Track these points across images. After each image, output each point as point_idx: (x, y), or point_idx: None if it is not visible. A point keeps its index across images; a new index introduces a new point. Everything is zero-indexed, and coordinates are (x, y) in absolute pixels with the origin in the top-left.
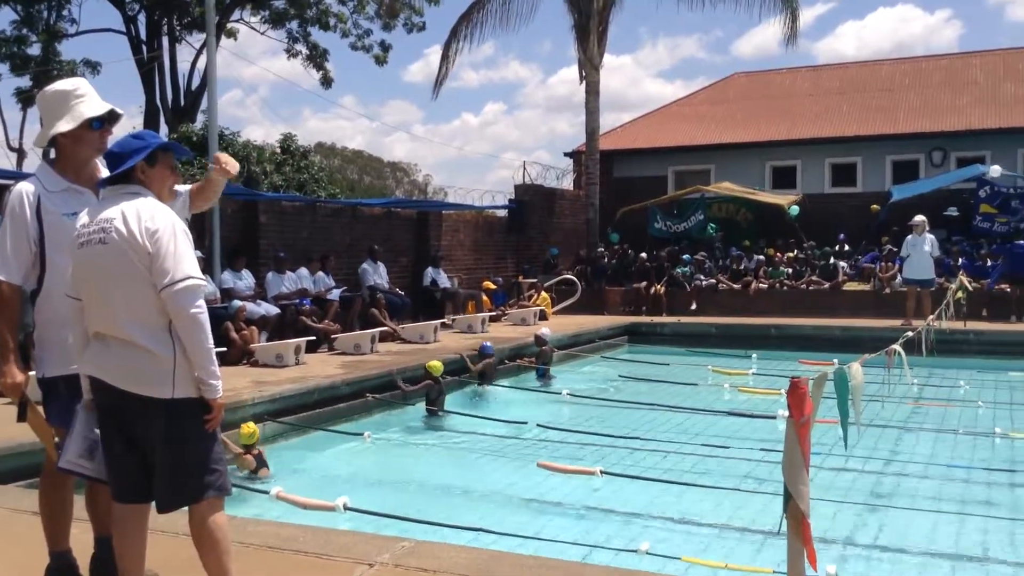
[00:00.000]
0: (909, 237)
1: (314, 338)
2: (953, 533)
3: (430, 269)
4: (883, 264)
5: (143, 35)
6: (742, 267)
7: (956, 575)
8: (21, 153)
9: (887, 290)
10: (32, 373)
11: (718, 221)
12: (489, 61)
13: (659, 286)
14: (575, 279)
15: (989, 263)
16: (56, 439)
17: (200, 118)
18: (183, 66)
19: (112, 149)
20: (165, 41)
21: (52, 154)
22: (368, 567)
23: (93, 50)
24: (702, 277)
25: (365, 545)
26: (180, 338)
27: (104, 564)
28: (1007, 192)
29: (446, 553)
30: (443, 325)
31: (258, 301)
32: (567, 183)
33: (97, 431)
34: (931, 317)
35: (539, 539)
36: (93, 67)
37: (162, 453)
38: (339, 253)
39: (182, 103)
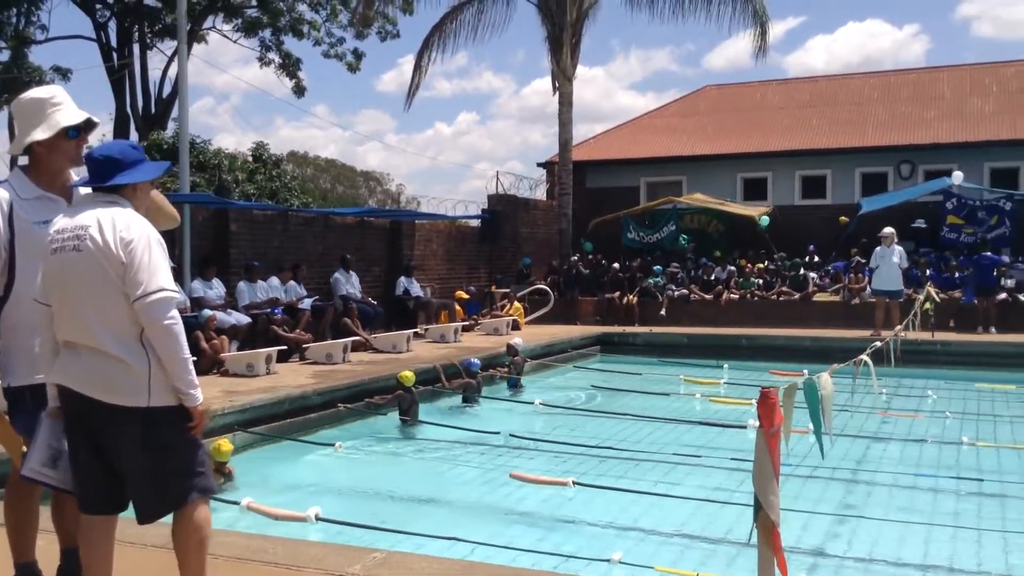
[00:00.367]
0: (878, 249)
1: (285, 348)
2: (921, 542)
3: (403, 279)
4: (852, 275)
5: (114, 42)
6: (713, 278)
7: None
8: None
9: (856, 301)
10: None
11: (690, 232)
12: (462, 71)
13: (631, 296)
14: (548, 289)
15: (957, 275)
16: (24, 448)
17: (171, 126)
18: (154, 73)
19: (109, 154)
20: (136, 48)
21: (24, 162)
22: None
23: (63, 57)
24: (673, 287)
25: (336, 556)
26: (154, 349)
27: (71, 575)
28: (973, 204)
29: (418, 564)
30: (416, 335)
31: (229, 310)
32: (540, 193)
33: (63, 440)
34: (899, 328)
35: (512, 548)
36: (63, 74)
37: (140, 461)
38: (311, 262)
39: (153, 110)
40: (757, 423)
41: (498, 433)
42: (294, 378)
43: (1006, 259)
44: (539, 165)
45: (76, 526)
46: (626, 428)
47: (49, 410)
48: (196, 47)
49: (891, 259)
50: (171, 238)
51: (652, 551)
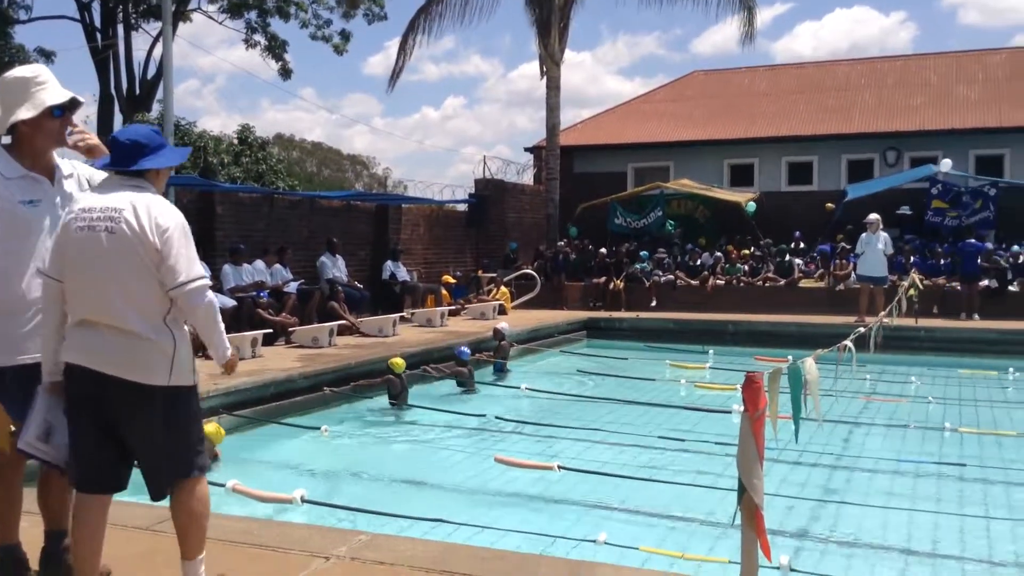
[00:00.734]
0: (863, 235)
1: (271, 331)
2: (904, 526)
3: (389, 263)
4: (837, 261)
5: (98, 22)
6: (699, 263)
7: (907, 567)
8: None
9: (841, 287)
10: None
11: (676, 218)
12: (450, 55)
13: (618, 282)
14: (534, 274)
15: (941, 262)
16: (12, 428)
17: (156, 107)
18: (139, 54)
19: (135, 138)
20: (120, 29)
21: (6, 141)
22: (324, 560)
23: (46, 37)
24: (660, 273)
25: (322, 538)
26: (195, 327)
27: (55, 557)
28: (957, 189)
29: (402, 546)
30: (402, 319)
31: (214, 293)
32: (527, 178)
33: (58, 415)
34: (882, 314)
35: (497, 529)
36: (47, 56)
37: (157, 438)
38: (297, 246)
39: (137, 92)
40: (742, 408)
41: (484, 416)
42: (280, 361)
43: (990, 245)
44: (526, 150)
45: (61, 508)
46: (612, 412)
47: (45, 384)
48: (181, 28)
49: (876, 245)
50: None
51: (637, 533)
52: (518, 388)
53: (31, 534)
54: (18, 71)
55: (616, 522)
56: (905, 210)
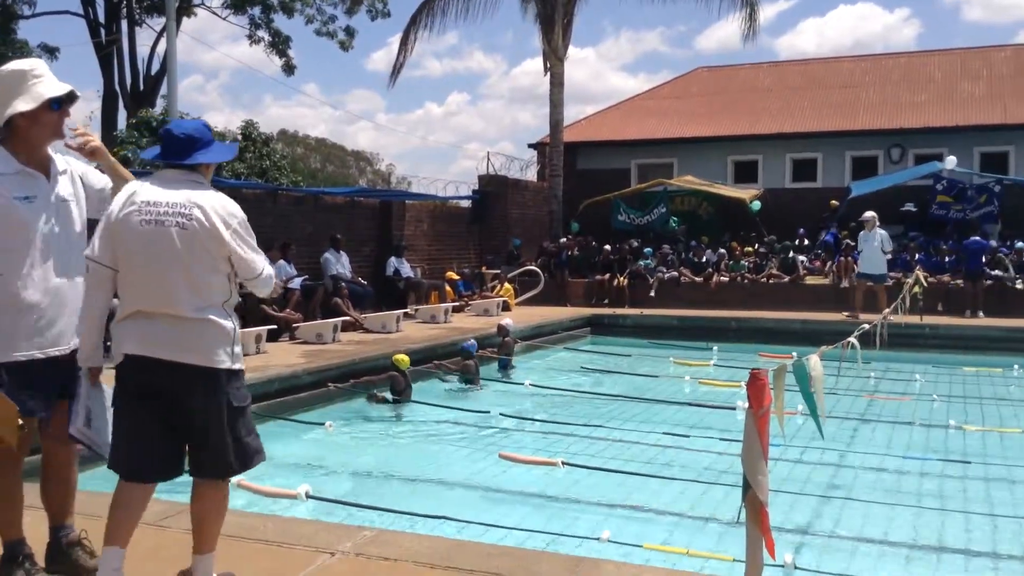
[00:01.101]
0: (861, 233)
1: (275, 327)
2: (908, 524)
3: (393, 259)
4: (843, 258)
5: (102, 18)
6: (703, 260)
7: (911, 565)
8: None
9: (845, 284)
10: None
11: (680, 214)
12: (453, 51)
13: (621, 278)
14: (538, 270)
15: (946, 259)
16: (20, 422)
17: (160, 103)
18: (142, 50)
19: (190, 132)
20: (124, 24)
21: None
22: (330, 555)
23: (50, 32)
24: (664, 269)
25: (327, 534)
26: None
27: (61, 551)
28: (962, 185)
29: (408, 541)
30: (406, 315)
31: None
32: (531, 174)
33: (96, 402)
34: (887, 311)
35: (501, 527)
36: (51, 51)
37: (223, 422)
38: (301, 242)
39: (141, 87)
40: (746, 404)
41: (488, 413)
42: (284, 357)
43: (994, 243)
44: (530, 146)
45: (64, 502)
46: (616, 409)
47: (87, 372)
48: (185, 23)
49: (872, 243)
50: None
51: (641, 530)
52: (522, 384)
53: (30, 529)
54: (14, 64)
55: (620, 519)
56: (910, 207)
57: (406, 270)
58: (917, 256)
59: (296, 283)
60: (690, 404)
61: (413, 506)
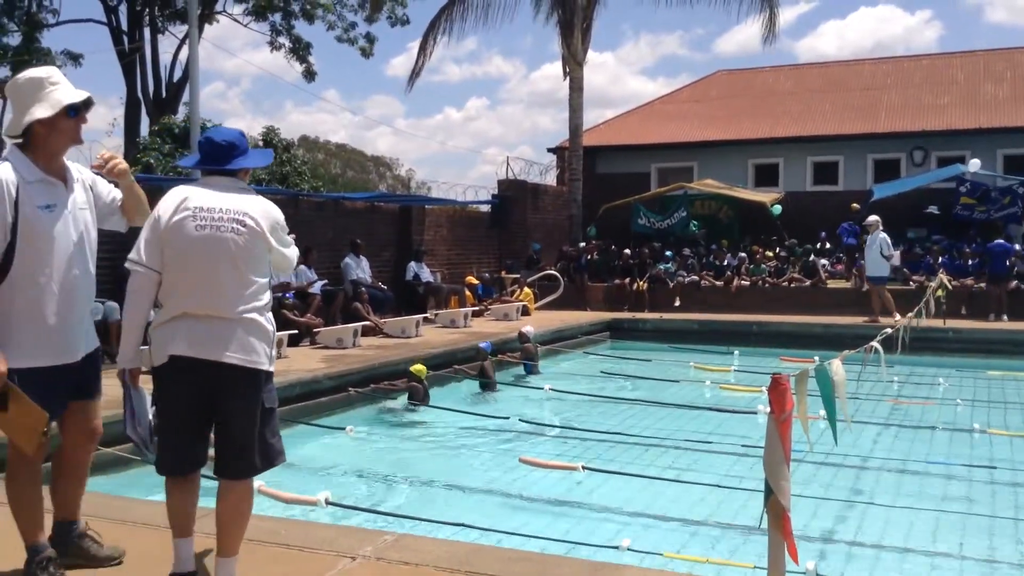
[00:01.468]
0: (867, 237)
1: (296, 332)
2: (931, 529)
3: (413, 263)
4: (863, 263)
5: (124, 25)
6: (724, 263)
7: (935, 571)
8: (1, 144)
9: (867, 287)
10: None
11: (700, 218)
12: (472, 56)
13: (641, 282)
14: (557, 275)
15: (970, 262)
16: (45, 429)
17: (182, 110)
18: (164, 57)
19: (231, 139)
20: (147, 32)
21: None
22: (351, 560)
23: (73, 40)
24: (684, 273)
25: (348, 538)
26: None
27: (69, 546)
28: (985, 187)
29: (428, 546)
30: (425, 320)
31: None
32: (550, 179)
33: (139, 401)
34: (910, 315)
35: (520, 535)
36: (75, 59)
37: (255, 421)
38: (321, 247)
39: (164, 94)
40: (768, 409)
41: (508, 418)
42: (305, 362)
43: (1018, 246)
44: (549, 151)
45: (74, 498)
46: (636, 414)
47: (130, 377)
48: (207, 30)
49: (873, 247)
50: None
51: (661, 537)
52: (542, 389)
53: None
54: (31, 72)
55: (640, 526)
56: (933, 210)
57: (426, 275)
58: (940, 259)
59: (317, 288)
60: (711, 409)
61: (433, 512)
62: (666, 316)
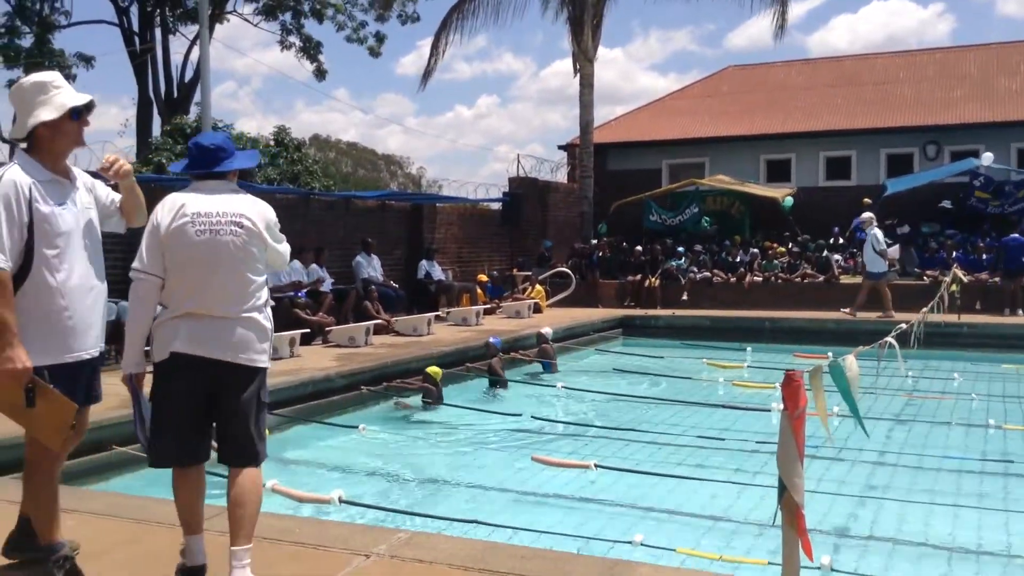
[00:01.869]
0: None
1: (308, 331)
2: (947, 524)
3: (424, 262)
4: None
5: (136, 26)
6: (736, 259)
7: (950, 566)
8: (13, 145)
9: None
10: None
11: (712, 214)
12: (482, 53)
13: (653, 279)
14: (569, 272)
15: (984, 256)
16: (73, 423)
17: (193, 110)
18: (176, 58)
19: (219, 143)
20: (158, 32)
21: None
22: (364, 558)
23: (85, 42)
24: (696, 270)
25: (362, 536)
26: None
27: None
28: (999, 181)
29: (442, 544)
30: (437, 318)
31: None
32: (561, 176)
33: (143, 402)
34: (924, 310)
35: (534, 531)
36: (87, 60)
37: (251, 416)
38: (333, 246)
39: (175, 95)
40: (781, 406)
41: (520, 416)
42: (317, 361)
43: None
44: (560, 147)
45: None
46: (648, 411)
47: (132, 378)
48: (217, 30)
49: (868, 242)
50: None
51: (674, 533)
52: (554, 387)
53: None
54: (34, 76)
55: (653, 522)
56: (946, 204)
57: (437, 273)
58: (955, 254)
59: (328, 287)
60: (724, 406)
61: (446, 509)
62: (678, 313)
